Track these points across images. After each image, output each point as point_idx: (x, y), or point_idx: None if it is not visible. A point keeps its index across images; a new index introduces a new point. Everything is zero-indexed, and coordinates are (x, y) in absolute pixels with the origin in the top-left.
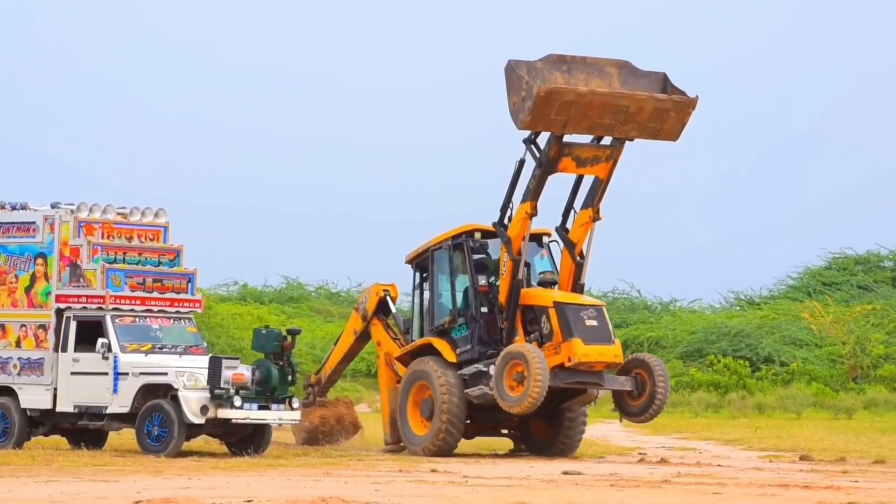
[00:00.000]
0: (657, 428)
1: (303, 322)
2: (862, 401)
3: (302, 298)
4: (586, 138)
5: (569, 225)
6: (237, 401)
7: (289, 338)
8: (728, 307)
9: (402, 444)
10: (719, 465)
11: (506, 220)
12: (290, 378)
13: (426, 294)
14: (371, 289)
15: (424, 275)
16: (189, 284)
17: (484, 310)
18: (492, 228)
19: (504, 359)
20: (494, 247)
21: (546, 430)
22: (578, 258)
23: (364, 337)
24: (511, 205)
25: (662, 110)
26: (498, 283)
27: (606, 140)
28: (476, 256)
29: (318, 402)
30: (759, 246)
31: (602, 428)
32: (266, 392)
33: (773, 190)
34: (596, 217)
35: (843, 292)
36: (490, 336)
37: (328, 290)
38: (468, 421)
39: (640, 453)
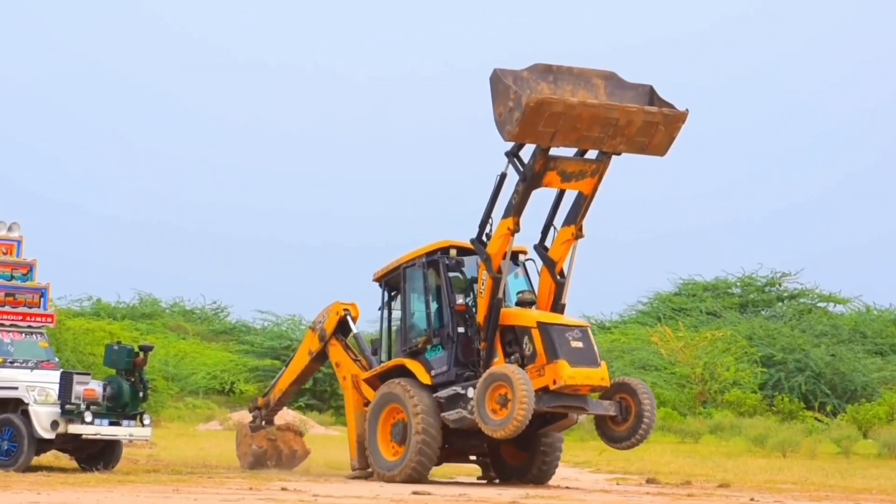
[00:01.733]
0: None
1: (156, 339)
2: (708, 425)
3: (156, 315)
4: (571, 152)
5: (548, 243)
6: (88, 416)
7: (141, 354)
8: None
9: (370, 469)
10: (567, 488)
11: (483, 237)
12: (141, 394)
13: (395, 313)
14: (330, 308)
15: (393, 293)
16: (42, 299)
17: (461, 330)
18: (466, 245)
19: (486, 381)
20: (469, 264)
21: (519, 457)
22: (559, 277)
23: (320, 358)
24: (490, 220)
25: (652, 123)
26: (475, 303)
27: (591, 154)
28: (451, 274)
29: (265, 427)
30: (610, 271)
31: None
32: (117, 408)
33: (623, 216)
34: (579, 234)
35: (692, 318)
36: (467, 357)
37: (182, 307)
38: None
39: (491, 474)
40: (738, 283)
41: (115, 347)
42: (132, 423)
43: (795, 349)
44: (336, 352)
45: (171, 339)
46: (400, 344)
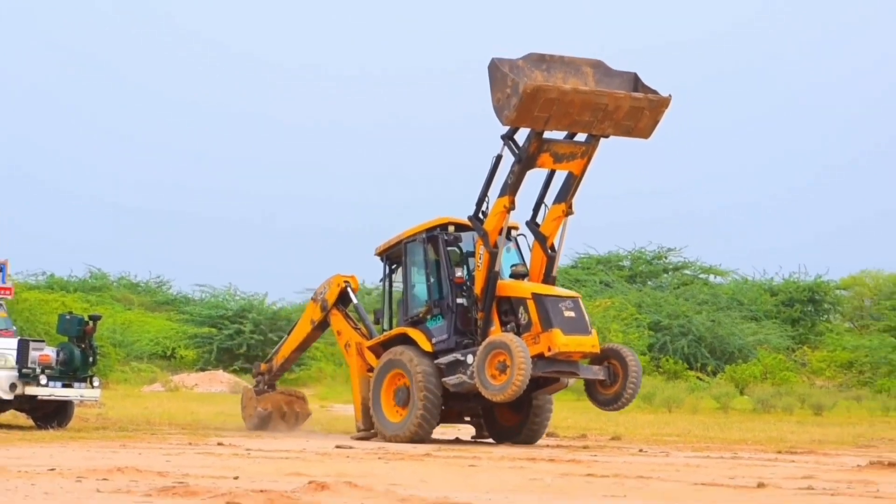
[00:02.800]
0: None
1: (104, 309)
2: None
3: (104, 288)
4: (562, 135)
5: (539, 219)
6: (43, 379)
7: (90, 323)
8: None
9: (373, 430)
10: (475, 442)
11: (480, 214)
12: (91, 359)
13: (395, 285)
14: (332, 279)
15: (394, 266)
16: (1, 274)
17: (460, 301)
18: (463, 222)
19: (486, 348)
20: (465, 240)
21: (513, 418)
22: (550, 251)
23: (322, 326)
24: (487, 199)
25: (638, 108)
26: (473, 275)
27: (580, 137)
28: (449, 249)
29: (268, 391)
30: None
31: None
32: (69, 372)
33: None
34: (569, 211)
35: (587, 288)
36: (465, 326)
37: (129, 281)
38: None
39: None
40: (629, 257)
41: (67, 317)
42: (83, 385)
43: (679, 315)
44: (337, 321)
45: (118, 310)
46: (401, 314)
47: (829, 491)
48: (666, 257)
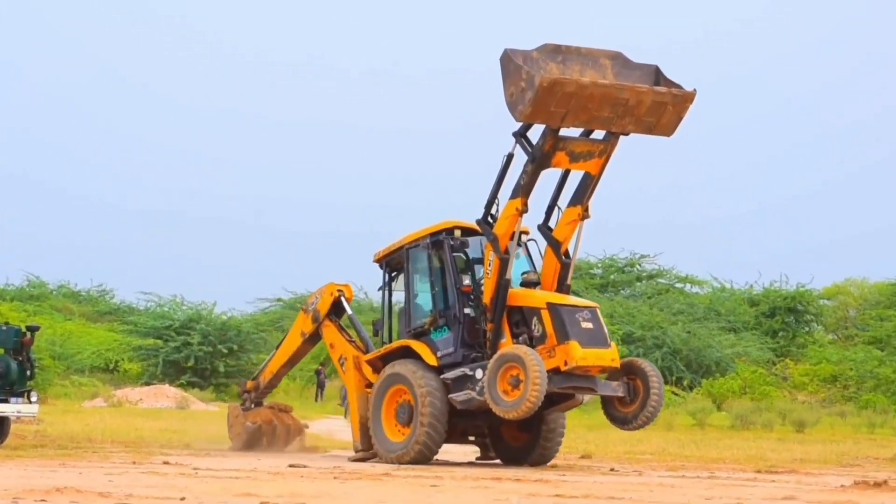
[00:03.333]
0: None
1: (43, 319)
2: None
3: (43, 297)
4: (578, 132)
5: (552, 223)
6: None
7: (28, 334)
8: None
9: (372, 451)
10: (437, 462)
11: (489, 218)
12: (28, 373)
13: (396, 294)
14: (324, 289)
15: (395, 274)
16: None
17: (467, 311)
18: (470, 226)
19: (498, 362)
20: (473, 246)
21: (521, 438)
22: (565, 258)
23: (313, 339)
24: (497, 201)
25: (661, 104)
26: (481, 283)
27: (598, 135)
28: (455, 255)
29: (254, 408)
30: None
31: (327, 424)
32: (5, 386)
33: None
34: (585, 215)
35: None
36: (473, 339)
37: (69, 289)
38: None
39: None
40: (599, 265)
41: (3, 328)
42: (20, 400)
43: (654, 326)
44: (330, 332)
45: (57, 320)
46: (403, 325)
47: None
48: (639, 265)
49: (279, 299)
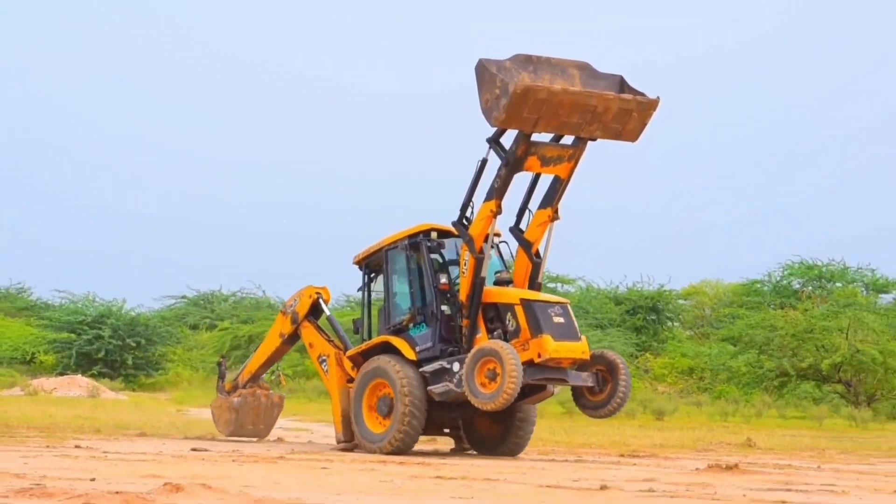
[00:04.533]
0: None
1: None
2: None
3: None
4: (549, 138)
5: (523, 225)
6: None
7: None
8: (341, 306)
9: (354, 441)
10: (329, 445)
11: (464, 220)
12: None
13: (374, 294)
14: (303, 291)
15: (373, 275)
16: None
17: (444, 308)
18: (446, 228)
19: (475, 356)
20: (448, 247)
21: (493, 429)
22: (535, 257)
23: (292, 340)
24: (472, 204)
25: (626, 111)
26: (457, 282)
27: (567, 141)
28: (432, 256)
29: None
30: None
31: None
32: None
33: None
34: (555, 216)
35: None
36: (450, 334)
37: None
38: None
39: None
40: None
41: None
42: None
43: None
44: (309, 333)
45: None
46: (383, 323)
47: (669, 493)
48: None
49: (184, 296)
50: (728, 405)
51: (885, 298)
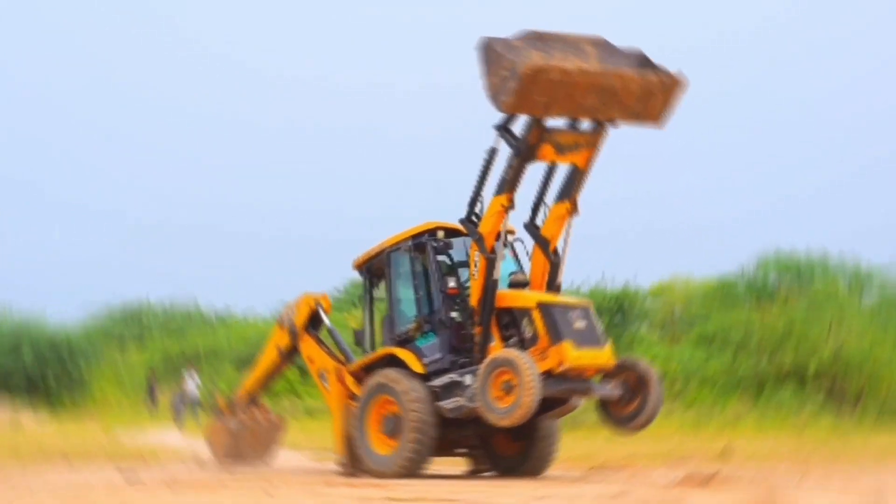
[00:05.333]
0: None
1: None
2: None
3: None
4: (564, 123)
5: (539, 221)
6: None
7: None
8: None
9: (359, 464)
10: (279, 468)
11: (473, 217)
12: None
13: (377, 302)
14: (300, 300)
15: (375, 280)
16: None
17: (454, 315)
18: (453, 226)
19: (489, 367)
20: (457, 247)
21: (513, 448)
22: (553, 256)
23: (290, 353)
24: (481, 199)
25: (649, 91)
26: (467, 285)
27: (584, 126)
28: (439, 257)
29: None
30: (307, 259)
31: (163, 434)
32: None
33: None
34: (574, 210)
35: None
36: (461, 343)
37: None
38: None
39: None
40: None
41: None
42: None
43: None
44: (308, 346)
45: None
46: (386, 332)
47: None
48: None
49: (109, 309)
50: (702, 413)
51: (870, 293)
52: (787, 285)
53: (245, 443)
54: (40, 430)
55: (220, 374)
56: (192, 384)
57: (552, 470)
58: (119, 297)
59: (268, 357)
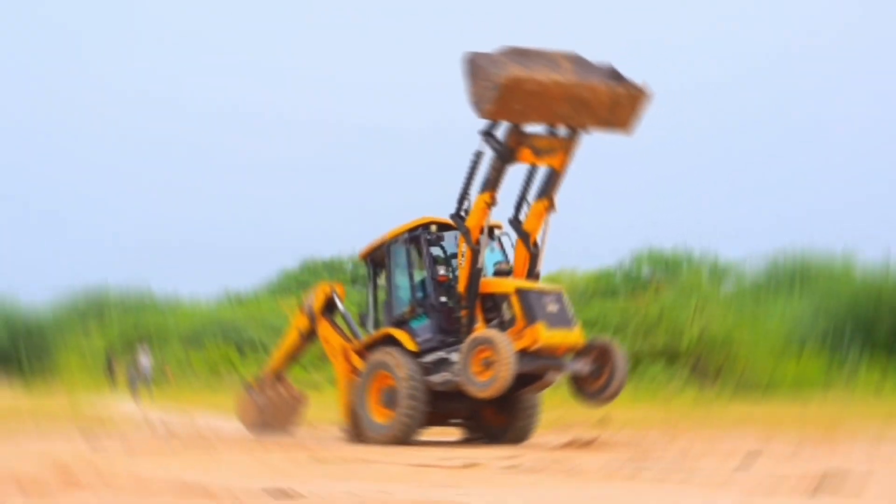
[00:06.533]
0: (169, 400)
1: None
2: (328, 376)
3: None
4: (542, 130)
5: (521, 216)
6: None
7: None
8: (220, 302)
9: (359, 430)
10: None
11: (462, 213)
12: None
13: (379, 287)
14: (318, 287)
15: (378, 269)
16: None
17: (443, 299)
18: (445, 221)
19: (470, 345)
20: (448, 240)
21: (499, 419)
22: (533, 248)
23: (309, 335)
24: (468, 196)
25: (617, 101)
26: (456, 273)
27: (560, 132)
28: (432, 248)
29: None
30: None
31: (118, 402)
32: None
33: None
34: (551, 207)
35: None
36: (449, 325)
37: None
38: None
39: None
40: (350, 261)
41: None
42: None
43: None
44: (324, 329)
45: None
46: (386, 315)
47: (532, 469)
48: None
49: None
50: None
51: (728, 283)
52: (658, 277)
53: (271, 415)
54: (14, 398)
55: (168, 350)
56: (145, 359)
57: (456, 436)
58: (83, 282)
59: (290, 339)
